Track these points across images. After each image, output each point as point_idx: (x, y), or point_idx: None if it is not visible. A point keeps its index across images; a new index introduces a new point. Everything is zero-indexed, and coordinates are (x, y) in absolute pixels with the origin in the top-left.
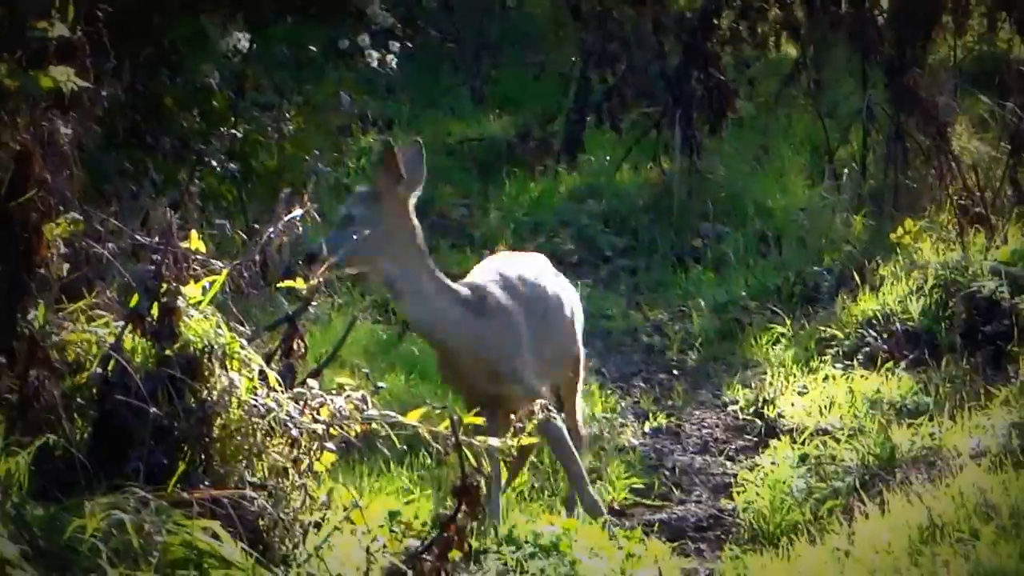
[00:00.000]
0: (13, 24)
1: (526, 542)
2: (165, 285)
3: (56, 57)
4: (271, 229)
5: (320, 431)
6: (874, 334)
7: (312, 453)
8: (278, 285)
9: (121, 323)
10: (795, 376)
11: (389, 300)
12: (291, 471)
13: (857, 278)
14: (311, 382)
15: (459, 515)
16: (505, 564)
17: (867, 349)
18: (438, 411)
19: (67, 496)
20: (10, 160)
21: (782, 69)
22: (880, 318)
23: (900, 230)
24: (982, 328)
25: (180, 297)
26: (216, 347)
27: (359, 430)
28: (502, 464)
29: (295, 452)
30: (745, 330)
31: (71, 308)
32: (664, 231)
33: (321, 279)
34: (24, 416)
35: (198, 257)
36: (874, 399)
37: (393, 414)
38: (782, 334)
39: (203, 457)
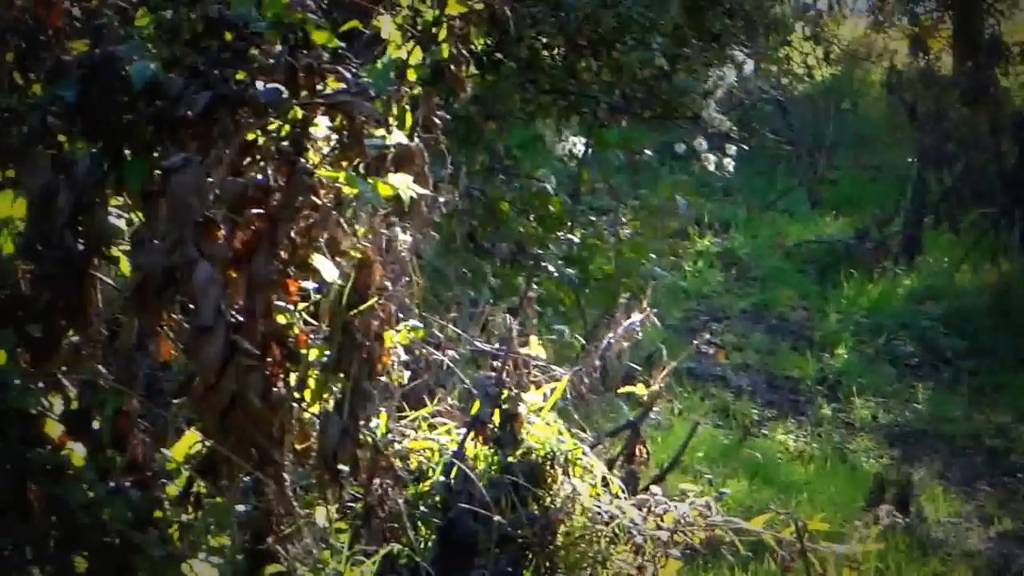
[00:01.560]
0: (351, 133)
1: None
2: (506, 392)
3: (394, 164)
4: (610, 334)
5: (664, 538)
6: None
7: (657, 560)
8: (619, 390)
9: (463, 430)
10: None
11: (729, 403)
12: None
13: None
14: (654, 488)
15: None
16: None
17: None
18: (782, 516)
19: None
20: (351, 268)
21: None
22: None
23: None
24: None
25: (521, 403)
26: (558, 453)
27: (703, 536)
28: None
29: (640, 559)
30: None
31: (413, 416)
32: (1005, 332)
33: (661, 384)
34: (369, 525)
35: (538, 363)
36: None
37: (737, 520)
38: None
39: (548, 565)
